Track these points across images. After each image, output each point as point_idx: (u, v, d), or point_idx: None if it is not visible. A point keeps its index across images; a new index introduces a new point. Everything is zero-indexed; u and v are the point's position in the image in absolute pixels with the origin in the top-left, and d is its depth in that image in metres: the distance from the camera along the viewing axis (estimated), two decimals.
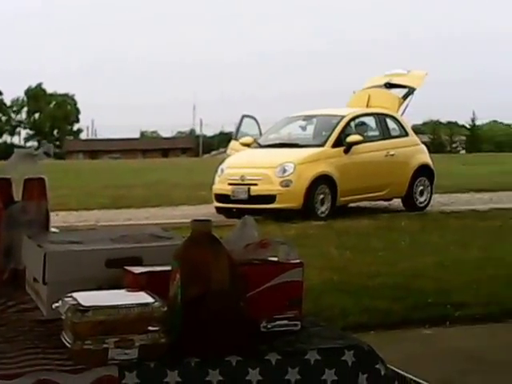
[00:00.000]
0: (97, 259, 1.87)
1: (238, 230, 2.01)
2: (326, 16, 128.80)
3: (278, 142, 14.96)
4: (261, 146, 14.92)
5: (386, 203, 15.40)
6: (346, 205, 14.49)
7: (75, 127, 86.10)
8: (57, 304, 1.58)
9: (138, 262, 1.88)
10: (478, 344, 5.51)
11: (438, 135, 57.46)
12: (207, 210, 14.32)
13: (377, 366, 1.78)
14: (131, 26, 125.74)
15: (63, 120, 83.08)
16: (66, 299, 1.56)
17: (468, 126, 62.38)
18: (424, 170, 15.35)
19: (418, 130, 43.30)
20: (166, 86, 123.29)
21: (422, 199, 15.24)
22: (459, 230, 11.17)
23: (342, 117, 14.67)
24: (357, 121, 15.17)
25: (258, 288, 1.89)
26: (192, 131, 66.73)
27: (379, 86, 15.68)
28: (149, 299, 1.57)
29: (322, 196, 13.72)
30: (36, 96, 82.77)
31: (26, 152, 2.29)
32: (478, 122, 62.72)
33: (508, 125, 67.36)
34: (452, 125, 63.77)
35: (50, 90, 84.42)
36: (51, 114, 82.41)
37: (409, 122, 16.66)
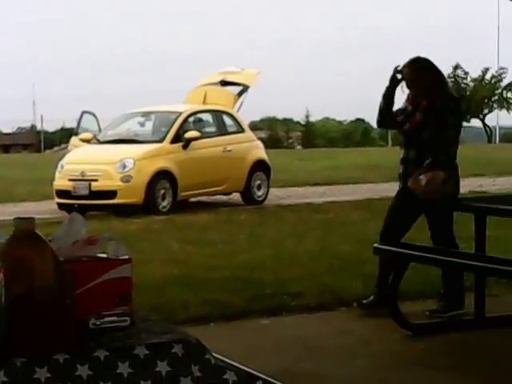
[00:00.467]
0: None
1: (65, 226, 1.98)
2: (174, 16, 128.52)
3: (117, 138, 14.91)
4: (100, 142, 14.84)
5: (225, 197, 15.66)
6: (187, 199, 14.65)
7: None
8: None
9: None
10: (313, 332, 5.71)
11: (274, 131, 58.31)
12: (49, 207, 14.08)
13: (206, 357, 1.84)
14: None
15: None
16: None
17: (303, 123, 63.76)
18: (260, 165, 15.69)
19: (255, 126, 43.89)
20: (5, 82, 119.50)
21: (259, 193, 15.60)
22: (295, 223, 11.49)
23: (180, 113, 14.78)
24: (194, 117, 15.37)
25: (87, 285, 1.88)
26: (33, 127, 64.73)
27: (215, 84, 15.88)
28: None
29: (162, 191, 13.82)
30: None
31: None
32: (311, 119, 64.23)
33: (339, 121, 69.32)
34: (288, 121, 64.89)
35: None
36: None
37: (246, 118, 16.99)
